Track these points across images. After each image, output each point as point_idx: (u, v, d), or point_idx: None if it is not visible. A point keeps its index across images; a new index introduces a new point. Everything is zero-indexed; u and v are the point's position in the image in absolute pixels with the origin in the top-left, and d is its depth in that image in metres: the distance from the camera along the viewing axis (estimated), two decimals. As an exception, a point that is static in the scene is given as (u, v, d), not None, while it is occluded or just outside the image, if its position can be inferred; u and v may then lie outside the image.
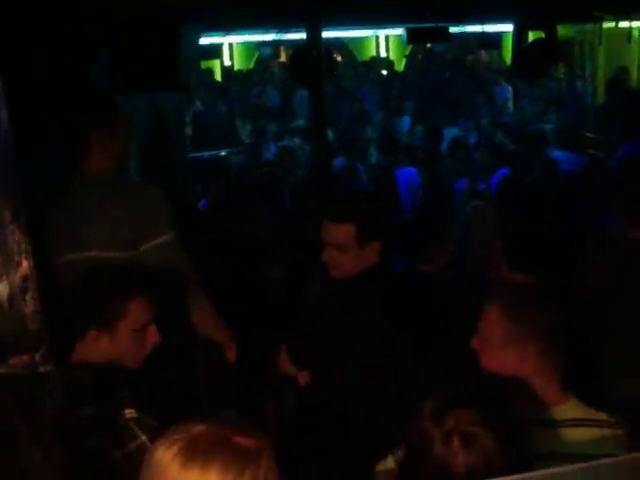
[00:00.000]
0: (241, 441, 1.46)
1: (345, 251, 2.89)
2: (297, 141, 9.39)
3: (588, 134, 9.33)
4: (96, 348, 2.37)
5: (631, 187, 3.08)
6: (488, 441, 1.71)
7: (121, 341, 2.38)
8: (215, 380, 3.22)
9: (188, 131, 10.17)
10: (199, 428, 1.48)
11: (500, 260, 2.96)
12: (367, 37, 16.24)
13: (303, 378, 3.07)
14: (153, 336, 2.43)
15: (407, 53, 15.80)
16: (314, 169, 4.36)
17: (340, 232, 2.90)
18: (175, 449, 1.45)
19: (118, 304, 2.36)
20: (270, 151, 9.29)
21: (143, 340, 2.42)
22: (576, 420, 2.15)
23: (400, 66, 15.82)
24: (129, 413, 2.23)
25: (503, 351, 2.20)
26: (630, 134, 8.35)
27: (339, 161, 7.99)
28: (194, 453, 1.44)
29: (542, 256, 2.90)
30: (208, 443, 1.45)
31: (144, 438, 2.19)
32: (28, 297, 1.67)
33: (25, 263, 1.66)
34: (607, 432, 2.13)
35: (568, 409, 2.17)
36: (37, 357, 3.08)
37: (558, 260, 2.93)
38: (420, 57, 14.63)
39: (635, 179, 3.12)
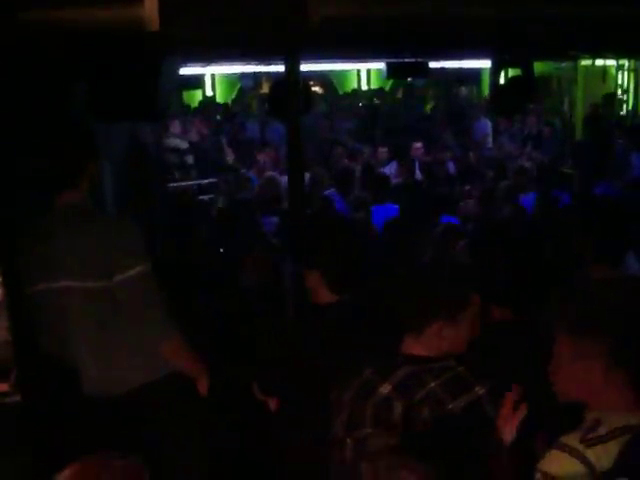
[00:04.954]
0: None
1: (315, 292, 3.00)
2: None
3: (566, 170, 9.41)
4: (439, 340, 2.44)
5: (598, 228, 3.11)
6: None
7: (462, 330, 2.46)
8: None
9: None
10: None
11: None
12: (350, 70, 16.43)
13: (274, 404, 3.13)
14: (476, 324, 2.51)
15: (388, 86, 15.97)
16: (291, 203, 4.35)
17: (309, 277, 3.00)
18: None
19: (462, 296, 2.47)
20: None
21: (475, 325, 2.51)
22: None
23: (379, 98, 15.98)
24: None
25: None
26: (605, 171, 8.44)
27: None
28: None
29: (516, 291, 2.92)
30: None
31: None
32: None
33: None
34: None
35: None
36: (5, 387, 3.05)
37: (531, 294, 2.94)
38: (400, 91, 14.75)
39: (602, 220, 3.15)
